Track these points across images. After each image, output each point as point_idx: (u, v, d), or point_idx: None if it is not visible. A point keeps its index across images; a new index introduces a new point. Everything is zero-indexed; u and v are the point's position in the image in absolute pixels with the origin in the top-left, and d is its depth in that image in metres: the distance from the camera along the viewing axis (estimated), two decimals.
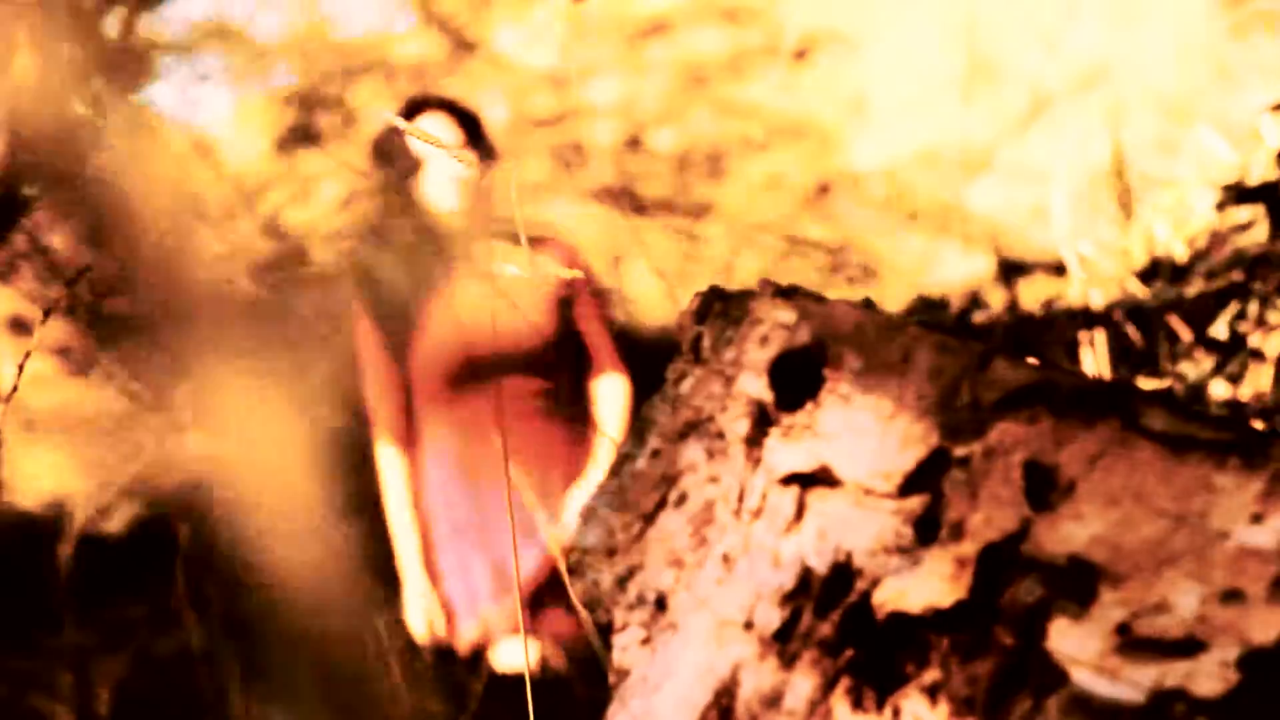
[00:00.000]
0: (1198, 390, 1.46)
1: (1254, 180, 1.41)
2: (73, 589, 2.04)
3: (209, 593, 2.11)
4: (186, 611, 1.93)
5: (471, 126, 2.20)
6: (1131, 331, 1.54)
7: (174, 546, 1.98)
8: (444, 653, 2.06)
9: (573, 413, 2.22)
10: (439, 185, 2.15)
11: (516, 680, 1.93)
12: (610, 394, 2.20)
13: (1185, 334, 1.51)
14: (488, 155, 2.20)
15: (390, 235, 2.19)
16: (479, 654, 2.09)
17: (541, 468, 2.16)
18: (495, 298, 2.17)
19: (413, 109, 2.15)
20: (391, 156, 2.15)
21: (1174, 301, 1.44)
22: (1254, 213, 1.44)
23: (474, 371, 2.17)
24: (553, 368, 2.18)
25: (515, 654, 1.92)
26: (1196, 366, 1.48)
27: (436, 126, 2.13)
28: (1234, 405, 1.46)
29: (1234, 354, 1.45)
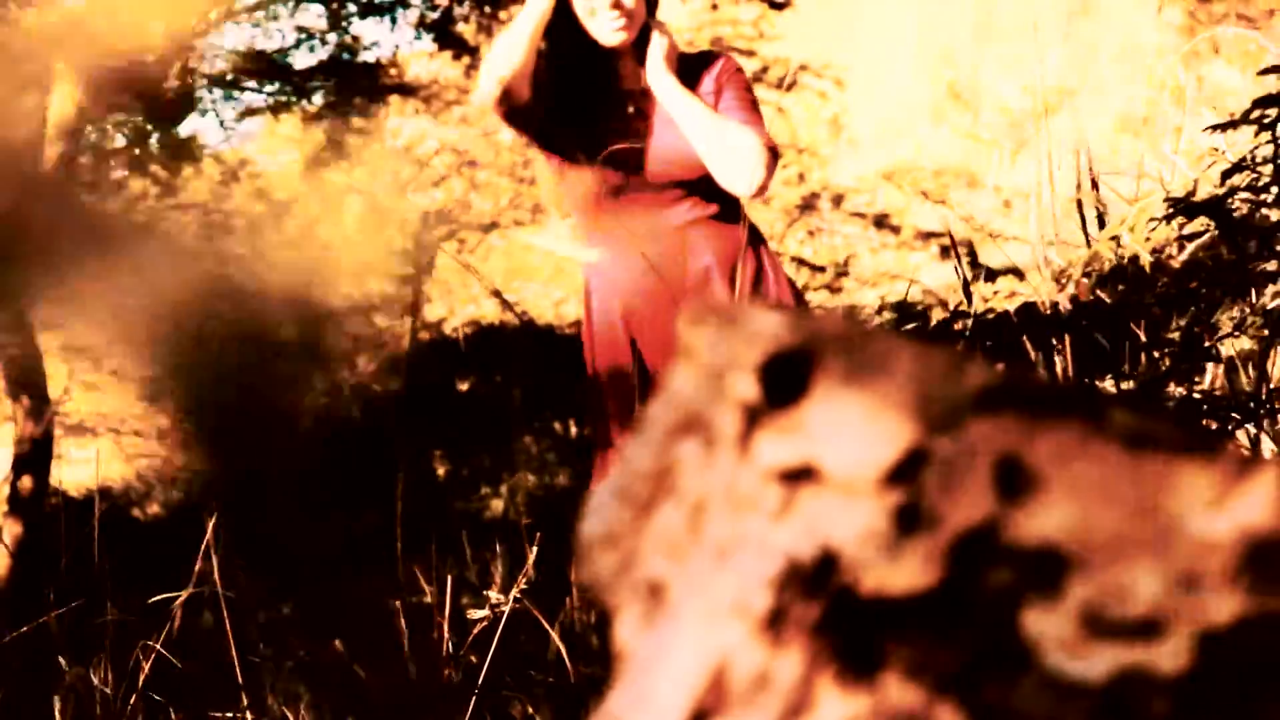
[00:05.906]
0: (1154, 390, 1.45)
1: (1203, 195, 1.41)
2: (113, 571, 2.04)
3: (239, 573, 2.11)
4: (219, 591, 1.93)
5: None
6: (1096, 335, 1.54)
7: (205, 531, 1.97)
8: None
9: (737, 233, 2.13)
10: (606, 19, 2.13)
11: None
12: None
13: (1144, 337, 1.51)
14: None
15: (558, 62, 2.16)
16: None
17: (695, 291, 2.11)
18: (659, 122, 2.15)
19: None
20: None
21: (1134, 306, 1.44)
22: (1205, 224, 1.44)
23: (635, 192, 2.13)
24: (715, 190, 2.14)
25: None
26: (1153, 368, 1.47)
27: None
28: (1188, 404, 1.46)
29: (1187, 356, 1.45)
